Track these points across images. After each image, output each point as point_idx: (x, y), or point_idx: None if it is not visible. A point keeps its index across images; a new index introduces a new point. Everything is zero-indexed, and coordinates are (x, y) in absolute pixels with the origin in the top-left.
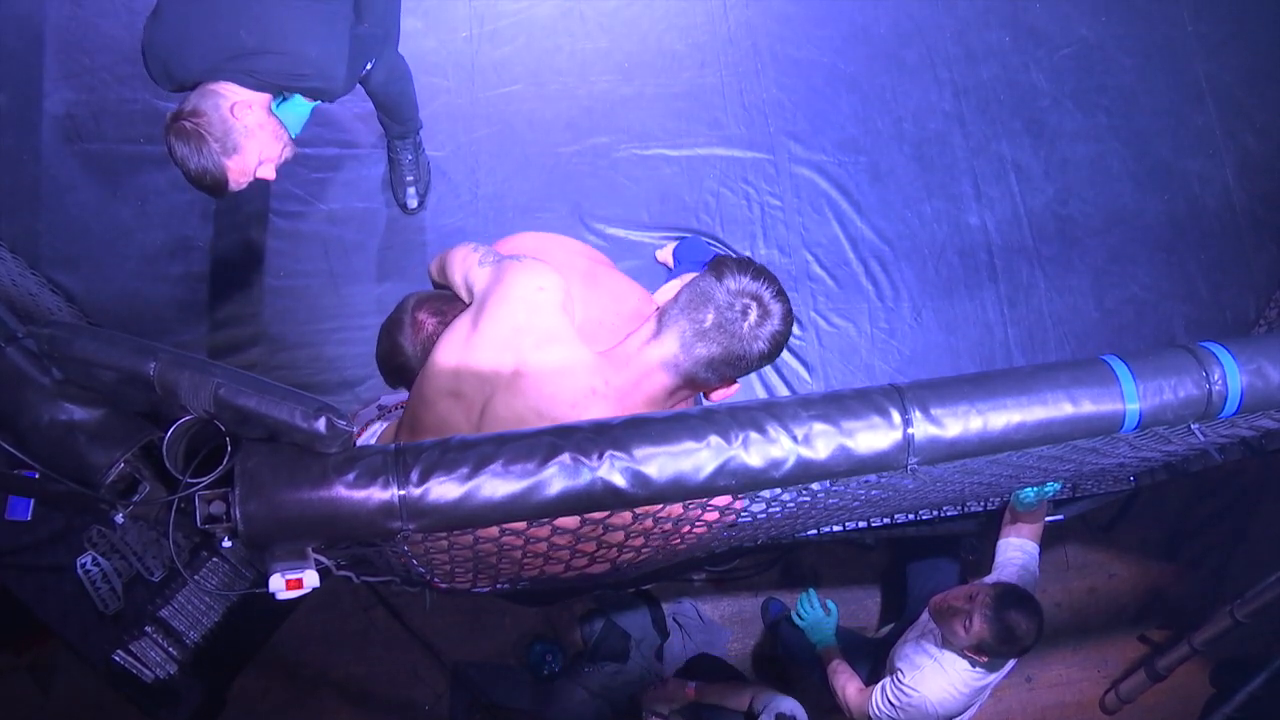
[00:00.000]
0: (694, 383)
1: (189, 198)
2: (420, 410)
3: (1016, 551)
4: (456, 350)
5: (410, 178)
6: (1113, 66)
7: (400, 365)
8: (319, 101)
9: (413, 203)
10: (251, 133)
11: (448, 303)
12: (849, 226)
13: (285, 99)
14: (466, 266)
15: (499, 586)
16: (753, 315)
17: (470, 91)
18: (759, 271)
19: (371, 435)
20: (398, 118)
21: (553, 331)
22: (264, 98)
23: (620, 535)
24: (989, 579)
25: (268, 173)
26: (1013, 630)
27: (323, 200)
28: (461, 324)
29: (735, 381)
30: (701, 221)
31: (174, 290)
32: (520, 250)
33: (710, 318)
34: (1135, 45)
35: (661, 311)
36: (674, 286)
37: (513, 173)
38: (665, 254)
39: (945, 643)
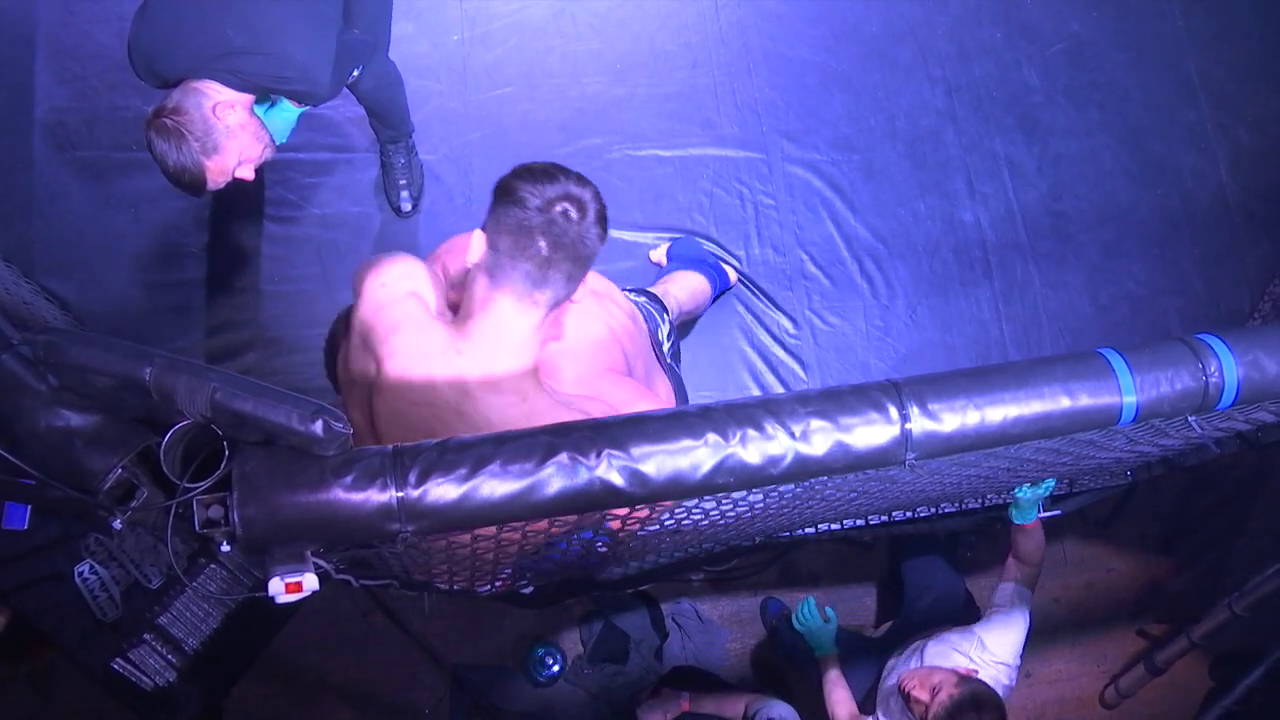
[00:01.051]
0: (558, 304)
1: (182, 204)
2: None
3: (1010, 593)
4: (342, 365)
5: (403, 181)
6: (1105, 62)
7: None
8: (306, 107)
9: (406, 206)
10: (233, 133)
11: None
12: (843, 225)
13: (273, 104)
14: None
15: (496, 585)
16: (574, 213)
17: (462, 94)
18: (544, 171)
19: None
20: (389, 123)
21: (399, 320)
22: (247, 98)
23: (616, 524)
24: (979, 626)
25: (246, 173)
26: None
27: (316, 204)
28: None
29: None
30: (695, 222)
31: (169, 296)
32: (443, 251)
33: (544, 244)
34: (1127, 41)
35: (485, 265)
36: (681, 278)
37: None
38: (659, 254)
39: None
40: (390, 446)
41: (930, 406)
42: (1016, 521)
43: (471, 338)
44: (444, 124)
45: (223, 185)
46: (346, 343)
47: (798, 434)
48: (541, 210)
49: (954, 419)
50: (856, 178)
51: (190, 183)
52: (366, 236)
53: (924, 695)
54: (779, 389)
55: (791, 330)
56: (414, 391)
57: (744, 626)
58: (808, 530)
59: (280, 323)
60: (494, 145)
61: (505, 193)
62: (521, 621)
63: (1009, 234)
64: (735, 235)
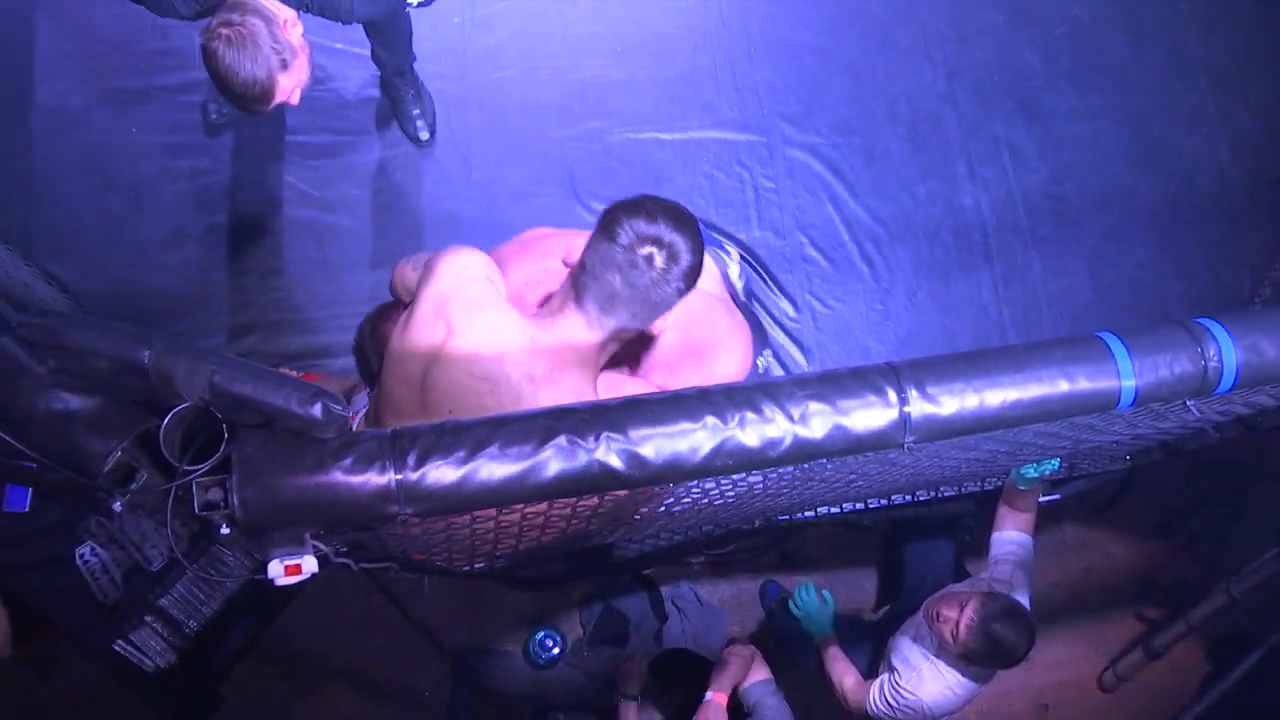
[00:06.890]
0: (621, 335)
1: (180, 188)
2: (379, 399)
3: (1011, 545)
4: (396, 337)
5: (415, 110)
6: (1106, 45)
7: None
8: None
9: (424, 134)
10: (300, 51)
11: (401, 309)
12: (843, 208)
13: None
14: (404, 278)
15: (496, 563)
16: (658, 260)
17: (462, 78)
18: (644, 208)
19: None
20: (394, 47)
21: (478, 298)
22: (297, 16)
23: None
24: (984, 575)
25: (295, 98)
26: (999, 643)
27: (316, 188)
28: (402, 315)
29: (664, 319)
30: (695, 205)
31: (168, 280)
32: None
33: (617, 280)
34: (1128, 24)
35: (573, 275)
36: None
37: (506, 158)
38: None
39: (940, 648)
40: (389, 429)
41: (929, 390)
42: (1021, 487)
43: (547, 335)
44: (444, 107)
45: (269, 109)
46: (408, 314)
47: (796, 417)
48: (627, 249)
49: (952, 402)
50: (857, 161)
51: (258, 95)
52: (366, 220)
53: (951, 611)
54: (778, 372)
55: (791, 314)
56: (481, 366)
57: (744, 610)
58: (807, 514)
59: (280, 306)
60: (493, 128)
61: (606, 217)
62: (521, 604)
63: (1009, 218)
64: (735, 218)
